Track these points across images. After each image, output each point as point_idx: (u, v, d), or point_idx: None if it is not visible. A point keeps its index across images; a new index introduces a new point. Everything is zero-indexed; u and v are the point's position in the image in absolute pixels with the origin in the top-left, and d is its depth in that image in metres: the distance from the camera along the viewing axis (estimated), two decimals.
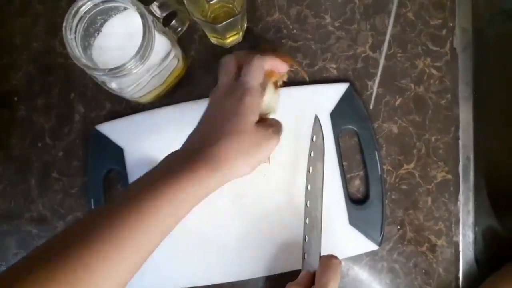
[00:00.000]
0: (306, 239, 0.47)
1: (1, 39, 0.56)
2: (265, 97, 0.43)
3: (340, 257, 0.52)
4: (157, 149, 0.52)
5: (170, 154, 0.39)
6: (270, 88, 0.44)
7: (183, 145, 0.40)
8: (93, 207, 0.53)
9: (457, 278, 0.53)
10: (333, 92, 0.53)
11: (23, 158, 0.55)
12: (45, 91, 0.56)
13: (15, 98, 0.56)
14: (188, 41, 0.55)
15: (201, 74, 0.55)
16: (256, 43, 0.55)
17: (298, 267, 0.48)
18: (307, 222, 0.47)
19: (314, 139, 0.48)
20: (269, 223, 0.52)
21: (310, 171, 0.47)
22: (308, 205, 0.47)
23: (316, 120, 0.48)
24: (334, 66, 0.54)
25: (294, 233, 0.51)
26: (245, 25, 0.54)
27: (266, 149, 0.40)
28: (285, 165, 0.52)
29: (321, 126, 0.48)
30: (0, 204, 0.55)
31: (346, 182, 0.53)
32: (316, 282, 0.43)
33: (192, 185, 0.36)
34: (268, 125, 0.42)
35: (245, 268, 0.52)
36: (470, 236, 0.54)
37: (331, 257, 0.44)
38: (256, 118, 0.40)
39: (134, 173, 0.53)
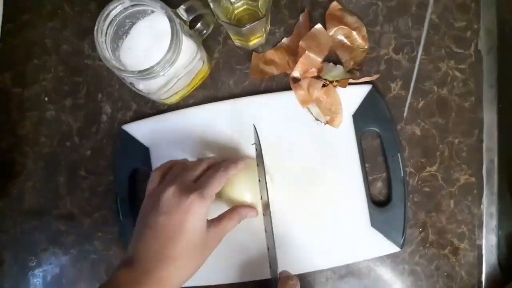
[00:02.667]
0: (268, 249, 0.48)
1: (33, 42, 0.58)
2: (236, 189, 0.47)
3: (361, 258, 0.53)
4: (181, 148, 0.54)
5: (120, 271, 0.40)
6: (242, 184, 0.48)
7: (129, 255, 0.41)
8: (119, 205, 0.54)
9: (480, 281, 0.53)
10: (356, 94, 0.53)
11: (52, 156, 0.57)
12: (74, 91, 0.58)
13: (45, 98, 0.58)
14: (212, 43, 0.56)
15: (225, 75, 0.56)
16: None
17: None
18: (266, 232, 0.48)
19: (256, 149, 0.49)
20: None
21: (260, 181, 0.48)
22: (264, 215, 0.48)
23: (254, 130, 0.49)
24: (357, 68, 0.55)
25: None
26: (269, 27, 0.55)
27: (213, 247, 0.44)
28: (307, 170, 0.53)
29: (258, 136, 0.48)
30: (30, 200, 0.57)
31: (368, 184, 0.53)
32: None
33: None
34: (222, 219, 0.45)
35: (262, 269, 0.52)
36: (493, 239, 0.53)
37: (288, 278, 0.47)
38: (204, 224, 0.42)
39: None
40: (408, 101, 0.48)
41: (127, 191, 0.55)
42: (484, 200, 0.54)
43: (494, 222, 0.53)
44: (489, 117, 0.54)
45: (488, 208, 0.54)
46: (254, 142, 0.48)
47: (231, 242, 0.50)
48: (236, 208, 0.47)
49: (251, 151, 0.53)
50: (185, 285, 0.50)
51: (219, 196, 0.47)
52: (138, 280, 0.39)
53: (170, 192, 0.42)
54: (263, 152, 0.48)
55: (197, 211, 0.41)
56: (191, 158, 0.53)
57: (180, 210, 0.41)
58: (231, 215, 0.45)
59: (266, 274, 0.51)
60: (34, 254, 0.56)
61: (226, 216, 0.45)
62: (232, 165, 0.45)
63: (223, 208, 0.47)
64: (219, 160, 0.48)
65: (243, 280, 0.53)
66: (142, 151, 0.55)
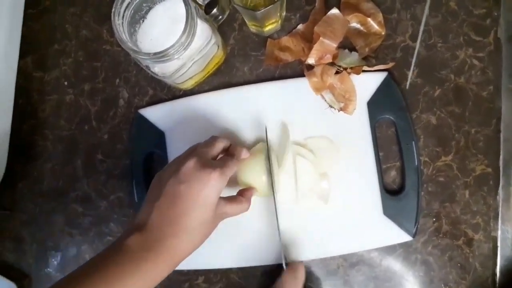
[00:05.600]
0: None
1: (53, 27, 0.60)
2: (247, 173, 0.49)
3: (373, 246, 0.53)
4: (196, 133, 0.54)
5: (132, 237, 0.40)
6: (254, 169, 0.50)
7: (140, 220, 0.42)
8: (134, 188, 0.55)
9: (494, 273, 0.52)
10: (371, 81, 0.53)
11: (71, 139, 0.59)
12: (92, 76, 0.59)
13: (65, 83, 0.59)
14: (228, 29, 0.57)
15: (240, 61, 0.57)
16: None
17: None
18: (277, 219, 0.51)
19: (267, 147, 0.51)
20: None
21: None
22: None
23: (265, 130, 0.52)
24: (373, 55, 0.54)
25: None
26: (284, 13, 0.55)
27: (217, 224, 0.44)
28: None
29: (267, 135, 0.52)
30: (49, 182, 0.58)
31: (381, 173, 0.53)
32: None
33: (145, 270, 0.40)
34: (233, 202, 0.46)
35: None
36: (509, 231, 0.52)
37: (294, 263, 0.50)
38: (217, 200, 0.43)
39: (174, 156, 0.54)
40: (409, 79, 0.47)
41: (142, 174, 0.56)
42: (500, 191, 0.53)
43: (510, 214, 0.52)
44: (508, 106, 0.53)
45: (505, 200, 0.53)
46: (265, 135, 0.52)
47: (236, 226, 0.51)
48: (245, 192, 0.48)
49: (263, 137, 0.53)
50: (192, 268, 0.51)
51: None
52: (150, 246, 0.40)
53: (191, 163, 0.42)
54: (276, 139, 0.52)
55: (216, 186, 0.42)
56: None
57: (200, 182, 0.41)
58: (241, 199, 0.46)
59: (271, 260, 0.52)
60: (52, 234, 0.58)
61: (237, 200, 0.46)
62: (242, 154, 0.48)
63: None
64: (231, 142, 0.49)
65: (248, 265, 0.54)
66: (157, 135, 0.56)
